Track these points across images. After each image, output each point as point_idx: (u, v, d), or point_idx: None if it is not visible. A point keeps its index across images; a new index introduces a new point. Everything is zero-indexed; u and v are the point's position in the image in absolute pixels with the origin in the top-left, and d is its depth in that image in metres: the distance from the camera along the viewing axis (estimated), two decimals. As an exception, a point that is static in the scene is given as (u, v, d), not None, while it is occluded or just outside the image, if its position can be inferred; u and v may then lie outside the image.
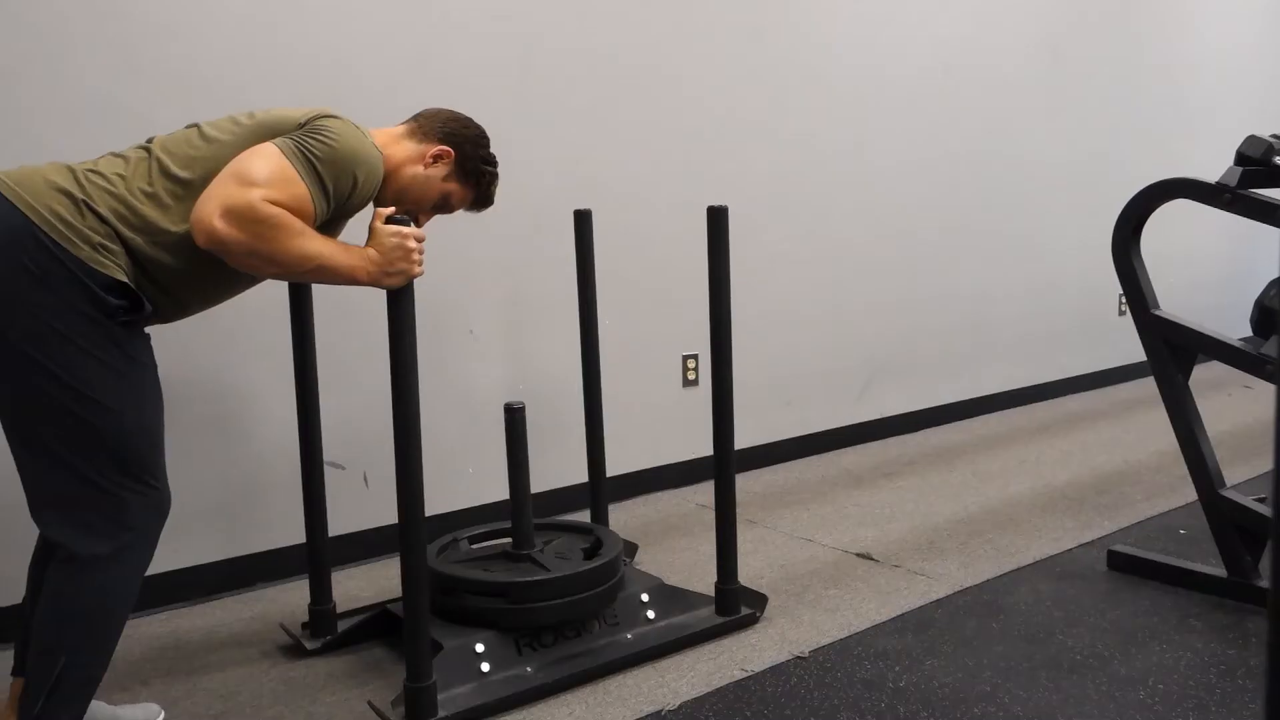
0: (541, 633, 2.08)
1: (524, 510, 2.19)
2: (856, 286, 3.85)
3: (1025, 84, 4.42)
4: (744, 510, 3.11)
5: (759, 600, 2.34)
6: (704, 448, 3.46)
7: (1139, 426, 4.06)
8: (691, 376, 3.40)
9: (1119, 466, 3.49)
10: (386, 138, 1.88)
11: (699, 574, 2.57)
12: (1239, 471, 3.28)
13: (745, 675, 2.03)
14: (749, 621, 2.28)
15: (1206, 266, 5.42)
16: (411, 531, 1.81)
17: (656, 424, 3.32)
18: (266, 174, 1.60)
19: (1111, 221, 2.48)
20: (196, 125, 1.74)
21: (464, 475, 2.92)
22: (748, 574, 2.57)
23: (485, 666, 1.98)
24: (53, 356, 1.55)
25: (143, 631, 2.32)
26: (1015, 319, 4.49)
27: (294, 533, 2.50)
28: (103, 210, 1.59)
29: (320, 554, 2.23)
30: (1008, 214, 4.43)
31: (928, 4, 3.97)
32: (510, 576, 2.09)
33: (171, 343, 2.09)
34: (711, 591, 2.30)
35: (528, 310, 3.02)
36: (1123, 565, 2.52)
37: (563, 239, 3.05)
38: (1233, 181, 2.24)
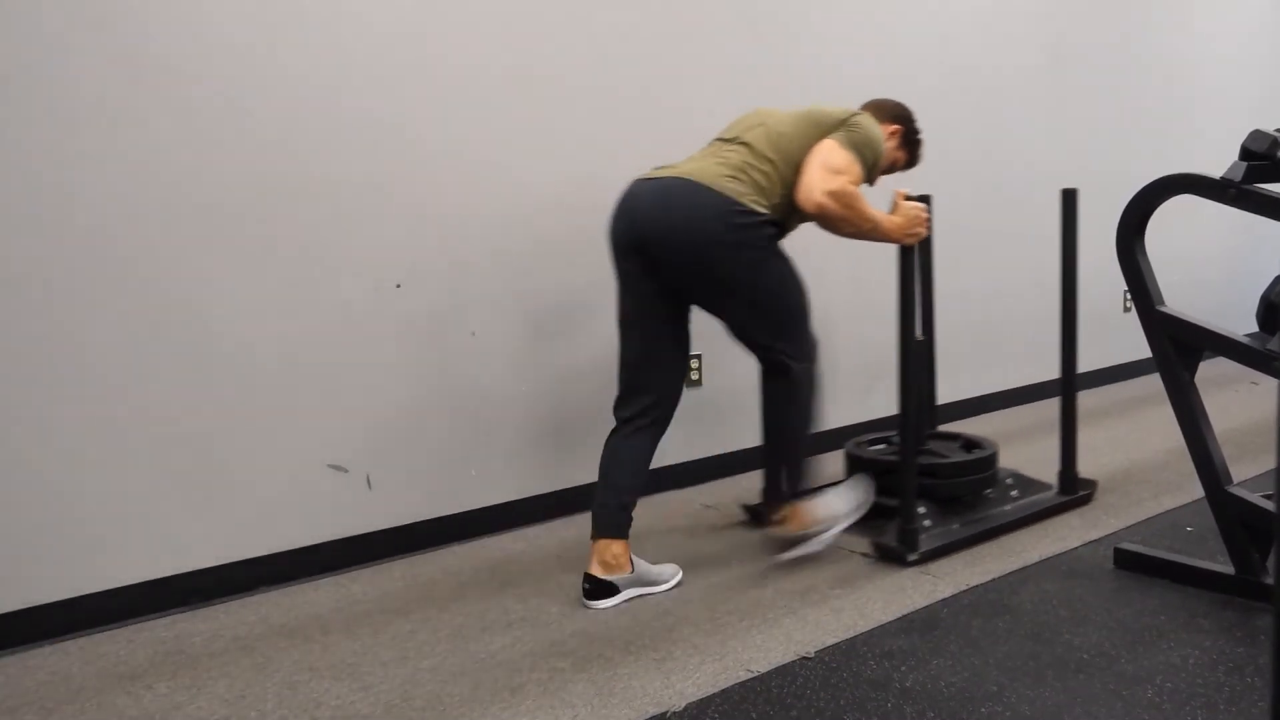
0: (954, 503, 2.84)
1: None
2: (860, 285, 3.84)
3: (1028, 80, 4.41)
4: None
5: (1090, 485, 3.05)
6: (707, 448, 3.46)
7: (1145, 424, 4.05)
8: (694, 377, 3.39)
9: (1125, 464, 3.48)
10: None
11: (704, 575, 2.57)
12: (1246, 468, 3.26)
13: (751, 676, 2.02)
14: (1086, 500, 3.00)
15: (1212, 263, 5.40)
16: (910, 431, 2.60)
17: (660, 424, 3.32)
18: (843, 164, 2.39)
19: (1115, 218, 2.47)
20: (762, 123, 2.46)
21: (467, 477, 2.92)
22: (753, 573, 2.56)
23: (928, 523, 2.73)
24: (766, 269, 2.41)
25: (146, 635, 2.32)
26: (1019, 316, 4.48)
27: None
28: (751, 190, 2.38)
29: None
30: (1011, 211, 4.42)
31: (929, 2, 3.96)
32: (936, 460, 2.84)
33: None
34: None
35: (530, 310, 3.02)
36: (1129, 563, 2.51)
37: (563, 238, 3.05)
38: (1237, 176, 2.22)
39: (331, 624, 2.35)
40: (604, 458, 2.47)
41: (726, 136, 2.50)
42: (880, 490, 2.81)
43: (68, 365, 2.30)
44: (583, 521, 3.04)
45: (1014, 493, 2.98)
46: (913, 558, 2.57)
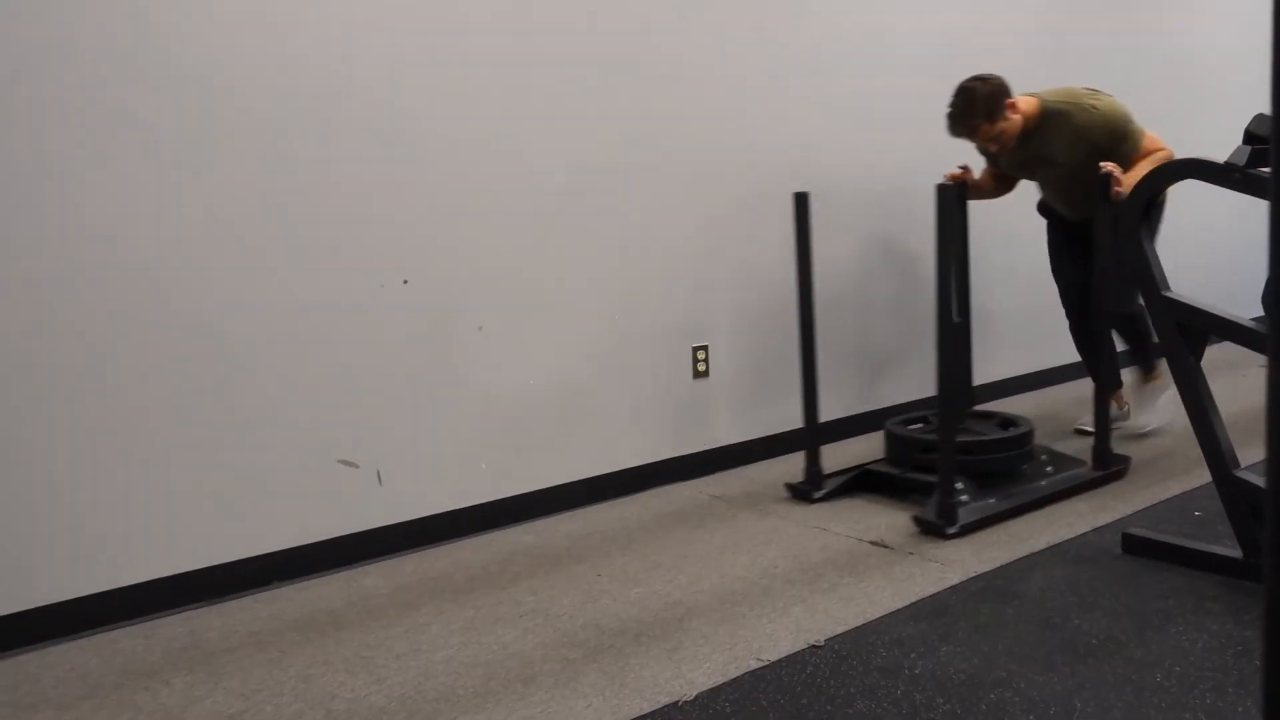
0: (991, 478, 2.98)
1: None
2: (864, 276, 3.84)
3: (1030, 68, 4.39)
4: (757, 501, 3.11)
5: (1124, 460, 3.17)
6: (715, 439, 3.48)
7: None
8: (701, 368, 3.40)
9: (1132, 449, 3.48)
10: None
11: (713, 566, 2.58)
12: (1253, 452, 3.25)
13: (761, 665, 2.04)
14: (1119, 475, 3.12)
15: (1217, 247, 5.38)
16: (949, 409, 2.77)
17: (667, 416, 3.33)
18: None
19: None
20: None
21: (477, 471, 2.93)
22: (762, 564, 2.58)
23: (965, 498, 2.85)
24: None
25: (162, 631, 2.34)
26: (1023, 304, 4.47)
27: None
28: None
29: (815, 434, 3.12)
30: (1017, 198, 4.40)
31: (931, -11, 3.96)
32: (973, 437, 3.01)
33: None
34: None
35: (536, 305, 3.03)
36: (1137, 548, 2.52)
37: (569, 233, 3.06)
38: (1241, 160, 2.22)
39: (345, 618, 2.37)
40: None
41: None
42: (918, 468, 3.04)
43: (80, 366, 2.31)
44: (590, 515, 3.06)
45: (1049, 469, 3.10)
46: (951, 530, 2.69)
